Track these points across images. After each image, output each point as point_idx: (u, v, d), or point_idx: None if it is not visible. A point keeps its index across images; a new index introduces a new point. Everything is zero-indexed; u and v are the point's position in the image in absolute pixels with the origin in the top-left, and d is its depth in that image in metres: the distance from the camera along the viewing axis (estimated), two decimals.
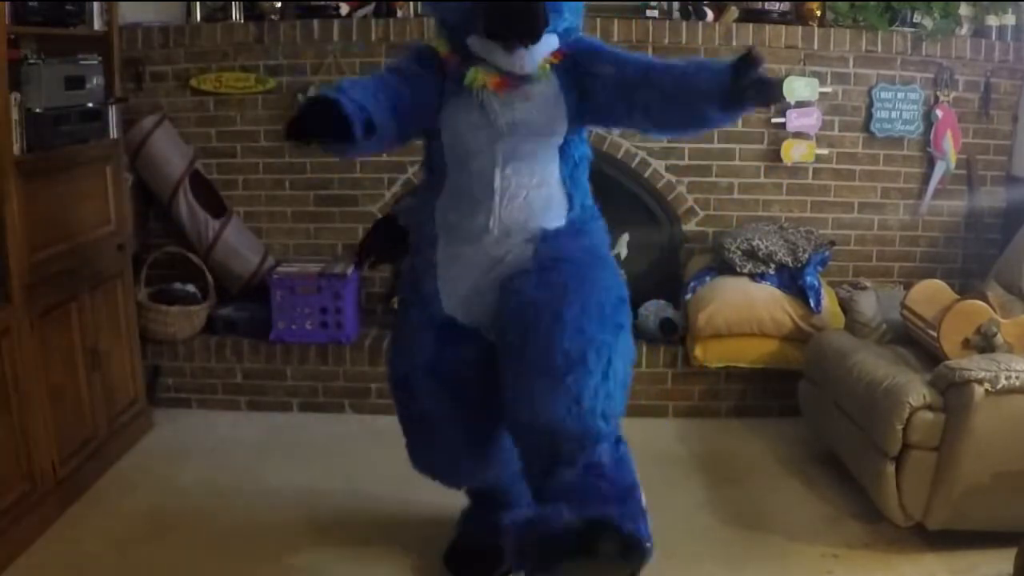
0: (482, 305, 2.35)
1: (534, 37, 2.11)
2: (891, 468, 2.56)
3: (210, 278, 3.77)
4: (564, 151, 2.33)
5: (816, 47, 3.74)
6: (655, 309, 3.73)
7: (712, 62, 2.08)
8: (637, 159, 3.82)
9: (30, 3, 2.68)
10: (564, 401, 2.17)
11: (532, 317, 2.20)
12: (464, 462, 2.47)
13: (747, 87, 1.91)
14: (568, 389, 2.16)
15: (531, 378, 2.21)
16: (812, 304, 3.43)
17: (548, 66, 2.22)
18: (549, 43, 2.19)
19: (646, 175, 3.84)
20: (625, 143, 3.80)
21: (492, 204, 2.26)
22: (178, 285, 3.79)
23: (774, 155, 3.83)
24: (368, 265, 2.86)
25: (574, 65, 2.27)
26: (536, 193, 2.30)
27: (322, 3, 3.81)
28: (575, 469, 2.15)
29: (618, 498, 2.10)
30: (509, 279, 2.29)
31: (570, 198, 2.33)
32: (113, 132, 3.20)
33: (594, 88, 2.26)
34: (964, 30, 3.82)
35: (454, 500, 2.90)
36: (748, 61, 1.91)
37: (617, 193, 3.88)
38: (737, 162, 3.85)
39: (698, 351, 3.51)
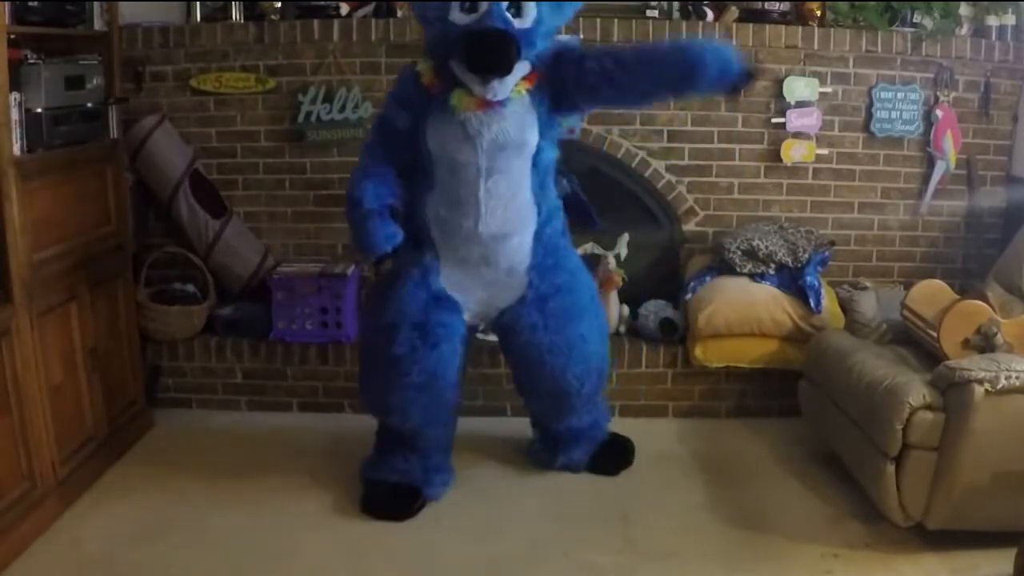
0: (473, 296, 2.78)
1: (505, 71, 2.44)
2: (891, 468, 2.56)
3: (210, 278, 3.77)
4: (535, 162, 2.67)
5: (816, 47, 3.74)
6: (655, 309, 3.73)
7: (681, 52, 2.53)
8: (637, 159, 3.82)
9: (30, 3, 2.68)
10: (576, 403, 2.91)
11: (537, 358, 2.81)
12: (415, 407, 2.73)
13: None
14: (580, 396, 2.89)
15: (545, 399, 2.92)
16: (812, 304, 3.43)
17: (523, 90, 2.56)
18: (521, 70, 2.51)
19: (646, 175, 3.84)
20: (625, 143, 3.80)
21: (479, 211, 2.61)
22: (178, 285, 3.79)
23: (774, 155, 3.82)
24: None
25: (546, 80, 2.61)
26: (513, 203, 2.65)
27: (322, 3, 3.80)
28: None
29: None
30: (509, 307, 2.79)
31: (539, 207, 2.73)
32: (113, 132, 3.20)
33: (565, 91, 2.62)
34: (964, 30, 3.82)
35: (456, 497, 2.92)
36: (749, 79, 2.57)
37: (617, 193, 3.89)
38: (737, 162, 3.85)
39: (698, 351, 3.51)
